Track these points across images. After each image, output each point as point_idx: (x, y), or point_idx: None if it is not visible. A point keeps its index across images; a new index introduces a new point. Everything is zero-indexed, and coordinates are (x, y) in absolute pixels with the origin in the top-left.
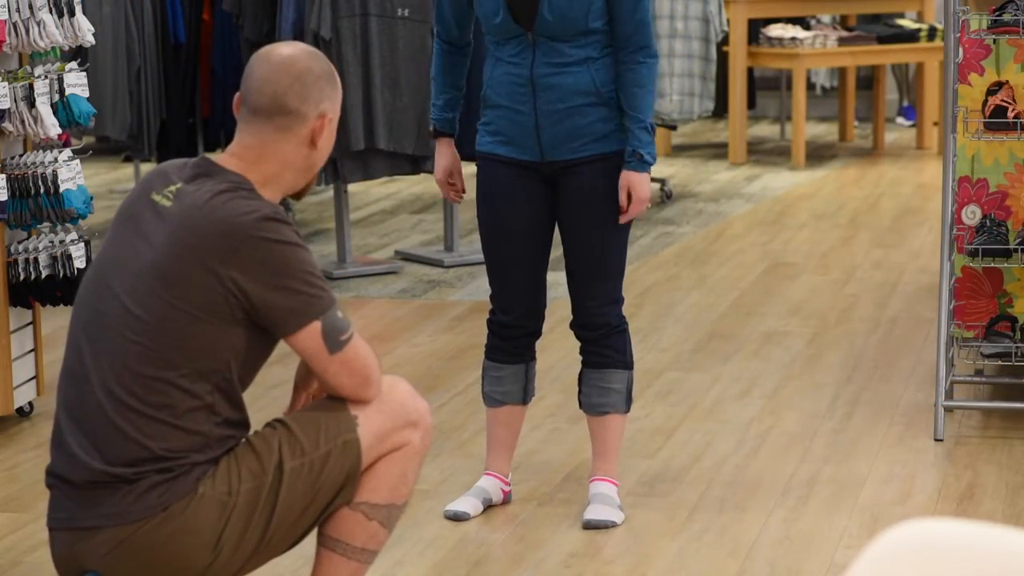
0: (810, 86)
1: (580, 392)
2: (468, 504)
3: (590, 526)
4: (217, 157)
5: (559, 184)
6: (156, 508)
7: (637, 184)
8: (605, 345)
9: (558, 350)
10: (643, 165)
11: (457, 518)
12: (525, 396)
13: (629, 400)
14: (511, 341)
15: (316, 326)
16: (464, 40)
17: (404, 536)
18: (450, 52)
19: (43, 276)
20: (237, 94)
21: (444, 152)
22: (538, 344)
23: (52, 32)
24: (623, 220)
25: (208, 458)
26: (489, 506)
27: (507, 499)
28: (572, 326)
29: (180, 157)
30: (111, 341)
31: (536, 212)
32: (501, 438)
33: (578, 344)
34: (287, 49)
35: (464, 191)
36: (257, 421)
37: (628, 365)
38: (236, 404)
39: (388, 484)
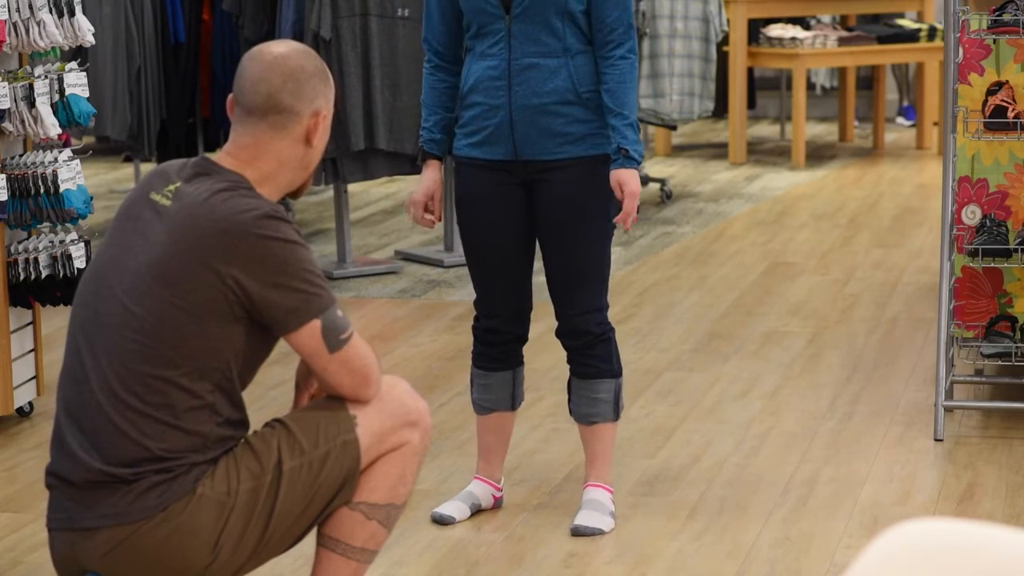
0: (810, 86)
1: (569, 400)
2: (455, 508)
3: (577, 532)
4: (214, 157)
5: (535, 191)
6: (155, 508)
7: (627, 179)
8: (590, 355)
9: (558, 350)
10: (631, 162)
11: (443, 521)
12: (513, 402)
13: (618, 408)
14: (497, 347)
15: (316, 324)
16: (453, 54)
17: (404, 536)
18: (439, 69)
19: (43, 276)
20: (230, 95)
21: (430, 175)
22: (538, 344)
23: (52, 32)
24: (622, 218)
25: (207, 458)
26: (478, 511)
27: (498, 504)
28: (557, 335)
29: (180, 157)
30: (111, 340)
31: (515, 218)
32: (491, 445)
33: None
34: (279, 48)
35: (440, 219)
36: (257, 421)
37: (615, 373)
38: (236, 404)
39: (387, 484)
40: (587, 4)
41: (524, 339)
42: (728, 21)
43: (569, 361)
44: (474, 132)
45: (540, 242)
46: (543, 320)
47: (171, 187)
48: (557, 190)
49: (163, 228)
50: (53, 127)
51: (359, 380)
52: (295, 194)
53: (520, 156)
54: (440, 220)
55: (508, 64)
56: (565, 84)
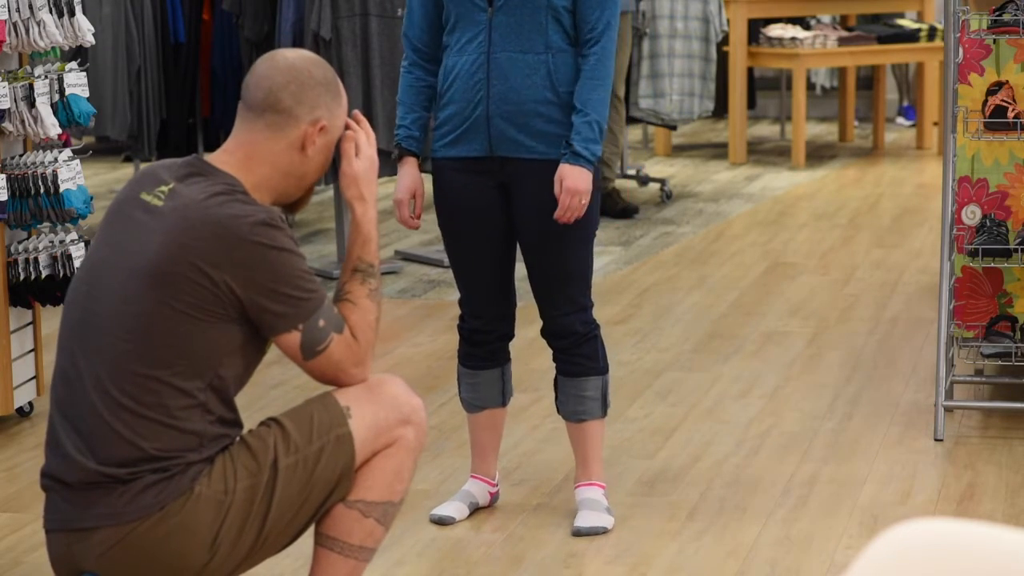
0: (810, 86)
1: (557, 399)
2: (453, 508)
3: (580, 533)
4: (210, 156)
5: (512, 194)
6: (152, 508)
7: (569, 175)
8: (577, 354)
9: None
10: (576, 159)
11: (442, 522)
12: (503, 398)
13: (605, 405)
14: (483, 347)
15: (295, 336)
16: (432, 52)
17: (404, 536)
18: (417, 67)
19: (43, 276)
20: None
21: (409, 172)
22: (537, 344)
23: (52, 32)
24: (558, 215)
25: (203, 457)
26: (476, 509)
27: (494, 501)
28: (542, 334)
29: (180, 157)
30: (103, 341)
31: (494, 219)
32: (484, 442)
33: None
34: (293, 54)
35: (420, 216)
36: (257, 422)
37: (601, 371)
38: (228, 403)
39: (383, 481)
40: (572, 1)
41: (509, 337)
42: (728, 21)
43: (555, 360)
44: (450, 131)
45: (520, 245)
46: (540, 321)
47: (163, 187)
48: (535, 193)
49: (156, 228)
50: (53, 127)
51: (330, 381)
52: (291, 208)
53: (495, 152)
54: (419, 217)
55: (487, 58)
56: (543, 82)
